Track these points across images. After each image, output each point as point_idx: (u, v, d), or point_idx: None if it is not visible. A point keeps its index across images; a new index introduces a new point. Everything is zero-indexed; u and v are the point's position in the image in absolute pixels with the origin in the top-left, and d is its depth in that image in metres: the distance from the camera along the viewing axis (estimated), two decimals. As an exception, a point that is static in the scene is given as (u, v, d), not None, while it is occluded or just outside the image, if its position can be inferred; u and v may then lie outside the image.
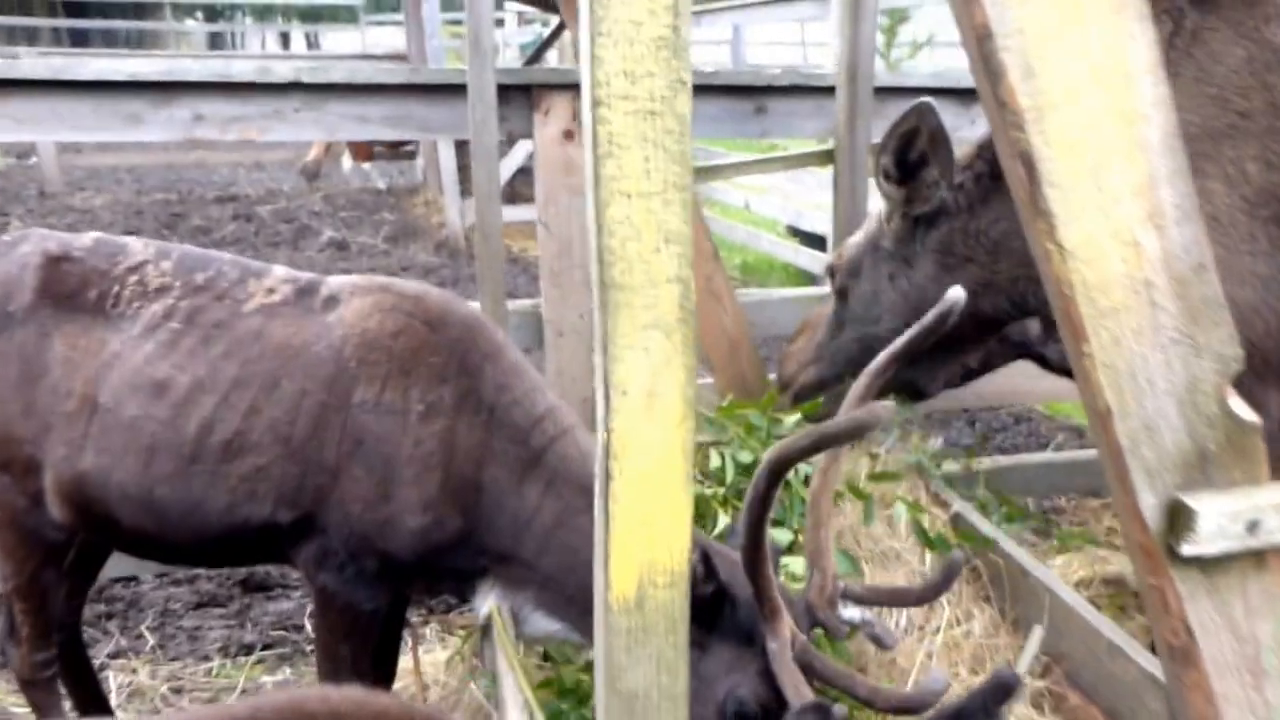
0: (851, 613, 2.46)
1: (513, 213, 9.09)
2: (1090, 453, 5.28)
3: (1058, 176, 1.32)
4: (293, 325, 2.89)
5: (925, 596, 2.49)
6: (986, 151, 3.18)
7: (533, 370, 3.06)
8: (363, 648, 3.02)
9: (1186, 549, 1.43)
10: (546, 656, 3.41)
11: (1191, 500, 1.44)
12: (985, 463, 4.61)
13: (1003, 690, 1.94)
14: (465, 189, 10.68)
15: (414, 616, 4.24)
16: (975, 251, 3.27)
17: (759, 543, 2.17)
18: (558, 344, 4.38)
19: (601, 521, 1.34)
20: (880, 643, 2.46)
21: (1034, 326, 3.67)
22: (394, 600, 3.11)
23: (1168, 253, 1.39)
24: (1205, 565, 1.47)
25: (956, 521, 3.97)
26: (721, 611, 2.37)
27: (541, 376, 3.09)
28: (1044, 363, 3.81)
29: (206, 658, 4.22)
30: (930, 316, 2.30)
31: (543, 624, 2.97)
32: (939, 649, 3.42)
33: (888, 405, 1.92)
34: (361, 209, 12.82)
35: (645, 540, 1.34)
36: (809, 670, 2.26)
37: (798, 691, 2.14)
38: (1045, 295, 3.15)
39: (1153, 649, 3.40)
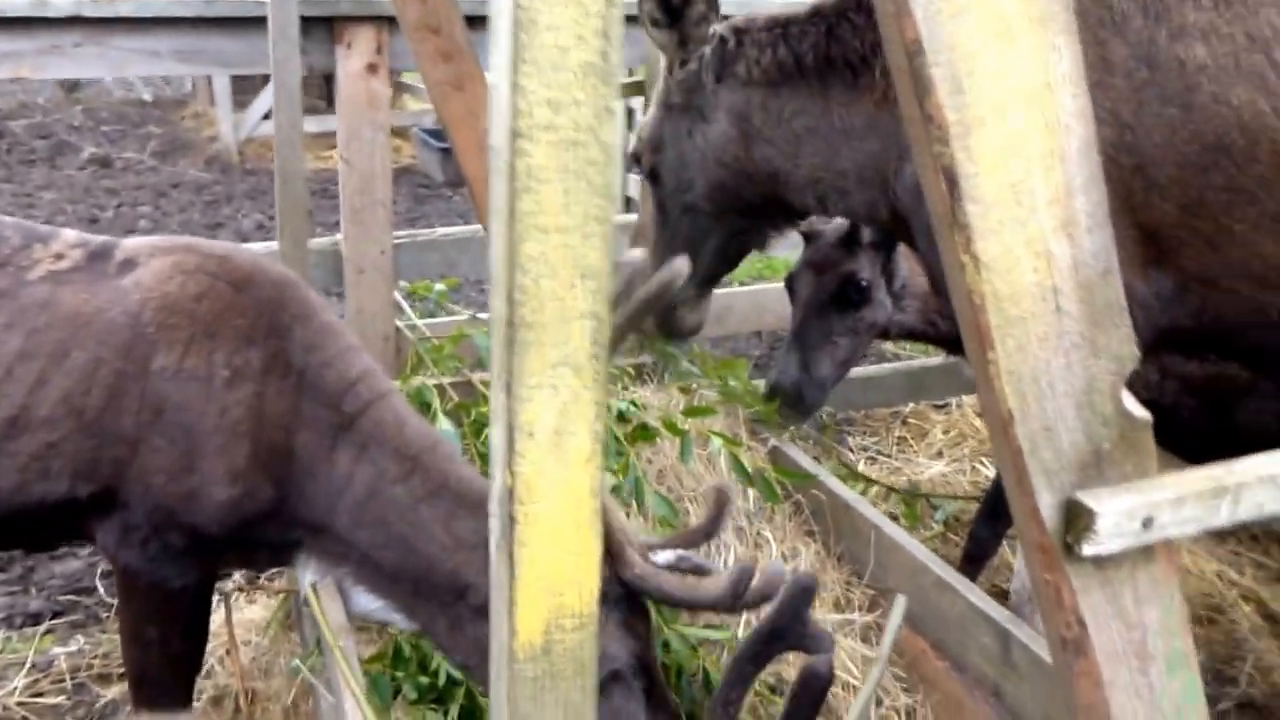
0: (664, 555, 2.46)
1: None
2: (880, 367, 5.45)
3: (980, 192, 1.26)
4: (85, 291, 2.66)
5: (706, 531, 2.54)
6: (793, 39, 3.06)
7: (348, 332, 2.91)
8: (172, 628, 2.85)
9: (1086, 549, 1.43)
10: (363, 627, 3.29)
11: (1089, 500, 1.44)
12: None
13: (805, 594, 1.99)
14: (239, 101, 10.07)
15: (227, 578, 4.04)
16: (775, 135, 3.18)
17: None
18: (358, 281, 4.22)
19: (505, 568, 1.23)
20: (701, 572, 2.49)
21: (886, 305, 3.71)
22: (204, 577, 2.93)
23: (1077, 260, 1.36)
24: (1100, 562, 1.49)
25: (775, 456, 4.02)
26: None
27: (352, 336, 2.94)
28: (885, 335, 3.87)
29: (-11, 627, 3.91)
30: (653, 285, 2.22)
31: (364, 602, 2.86)
32: (770, 586, 3.46)
33: (683, 260, 2.11)
34: (125, 122, 11.94)
35: (553, 584, 1.24)
36: (656, 595, 2.34)
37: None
38: (851, 205, 3.19)
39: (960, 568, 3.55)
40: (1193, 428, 3.37)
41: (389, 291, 4.28)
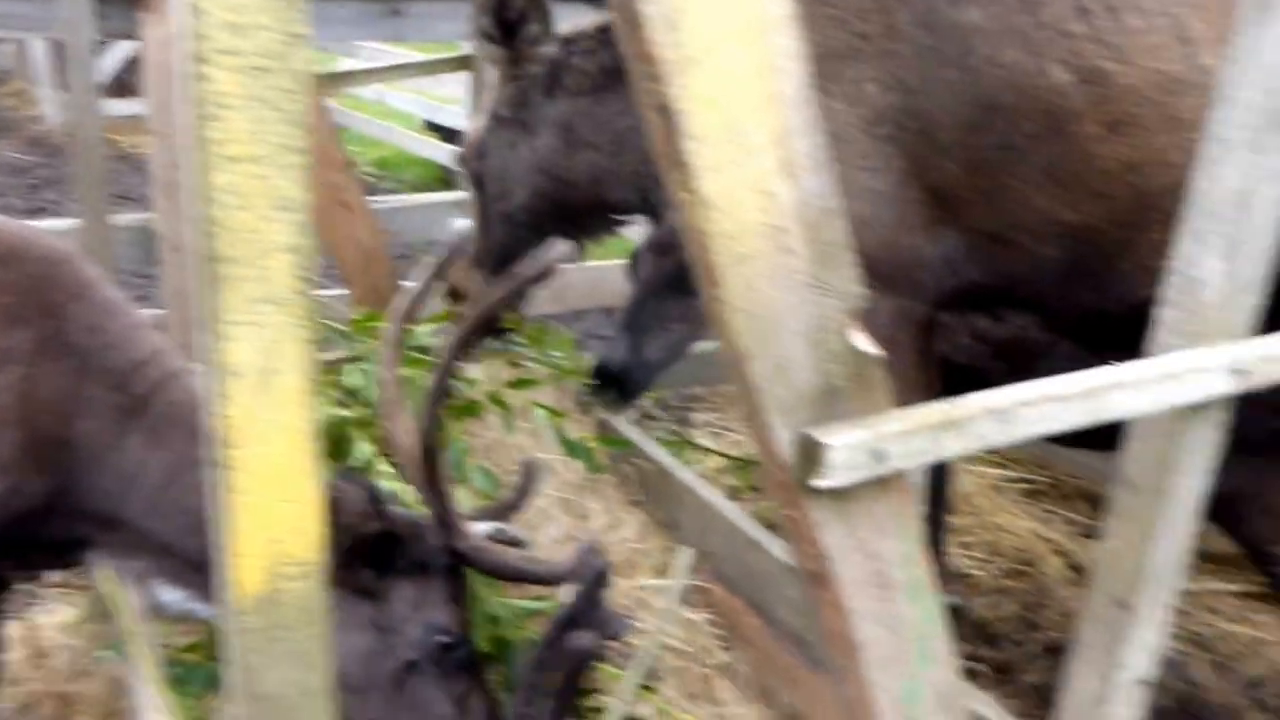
0: (481, 527, 2.48)
1: (124, 107, 8.31)
2: (724, 343, 5.51)
3: (697, 129, 1.29)
4: None
5: (513, 504, 2.56)
6: (612, 44, 3.15)
7: (132, 309, 2.72)
8: None
9: (819, 482, 1.48)
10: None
11: (822, 435, 1.48)
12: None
13: (597, 577, 2.03)
14: (64, 79, 9.64)
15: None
16: (599, 139, 3.28)
17: (432, 450, 2.24)
18: (174, 260, 4.05)
19: (220, 515, 1.21)
20: (517, 544, 2.52)
21: None
22: None
23: (800, 200, 1.40)
24: (836, 495, 1.53)
25: (603, 428, 4.04)
26: (393, 550, 2.31)
27: (143, 314, 2.81)
28: None
29: None
30: (529, 270, 2.26)
31: (165, 595, 2.74)
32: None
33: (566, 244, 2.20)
34: (-66, 101, 11.32)
35: (273, 532, 1.22)
36: (483, 567, 2.35)
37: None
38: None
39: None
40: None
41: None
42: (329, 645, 1.31)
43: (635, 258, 3.85)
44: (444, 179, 8.32)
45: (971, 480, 4.63)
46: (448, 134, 8.97)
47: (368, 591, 2.30)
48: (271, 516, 1.22)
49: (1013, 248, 2.73)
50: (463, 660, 2.34)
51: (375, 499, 2.26)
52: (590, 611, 2.10)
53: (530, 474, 2.56)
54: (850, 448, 1.49)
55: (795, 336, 1.47)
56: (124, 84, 9.77)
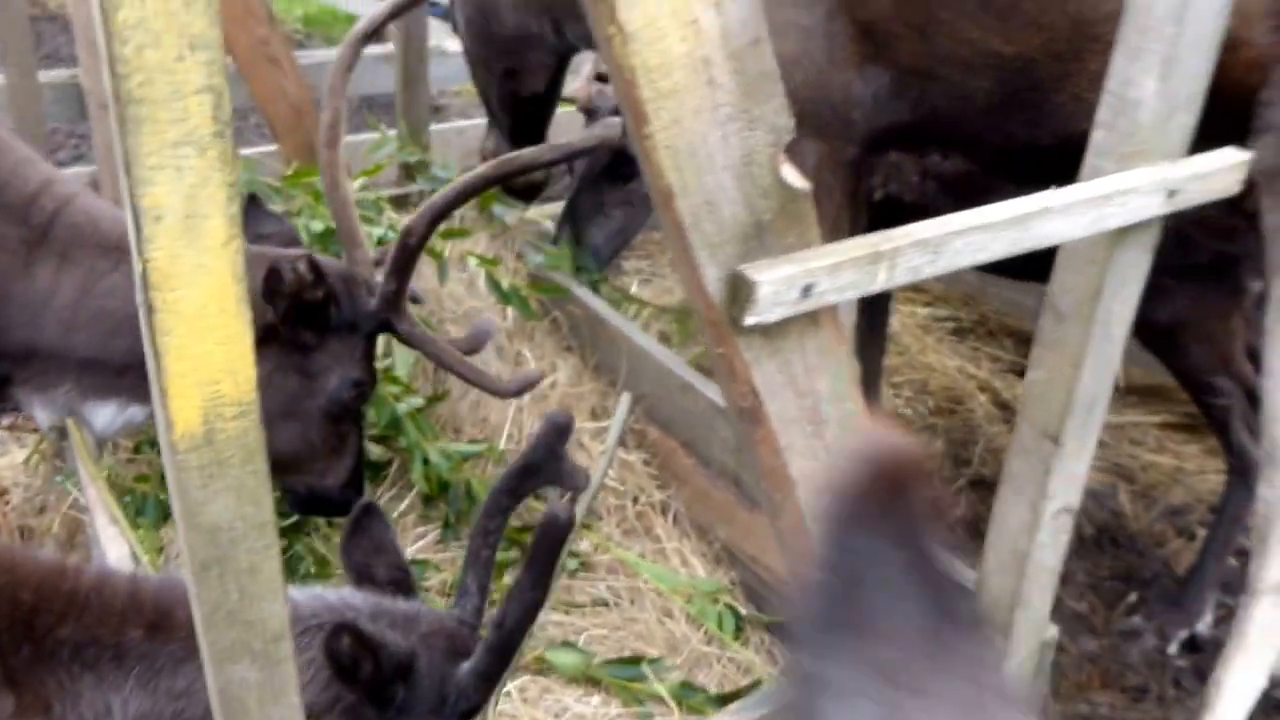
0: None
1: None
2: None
3: (615, -42, 1.26)
4: None
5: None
6: None
7: (19, 143, 2.75)
8: None
9: (749, 319, 1.50)
10: (138, 449, 3.21)
11: (751, 271, 1.50)
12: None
13: (560, 431, 2.08)
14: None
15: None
16: None
17: (409, 247, 2.65)
18: (102, 116, 3.93)
19: (153, 358, 1.21)
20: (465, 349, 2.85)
21: None
22: None
23: (725, 30, 1.38)
24: (766, 331, 1.56)
25: (535, 276, 4.03)
26: (328, 311, 2.59)
27: (30, 148, 2.78)
28: None
29: None
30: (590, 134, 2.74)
31: (101, 417, 2.80)
32: (527, 402, 3.52)
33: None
34: None
35: (204, 373, 1.22)
36: (416, 345, 2.75)
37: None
38: (585, 30, 3.26)
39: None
40: None
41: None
42: (267, 479, 1.32)
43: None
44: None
45: (899, 320, 4.70)
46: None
47: (304, 345, 2.58)
48: (202, 358, 1.21)
49: (943, 83, 2.72)
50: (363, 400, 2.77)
51: (315, 267, 2.49)
52: (552, 464, 2.13)
53: (478, 338, 2.87)
54: (778, 282, 1.50)
55: (723, 171, 1.47)
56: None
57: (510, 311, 3.77)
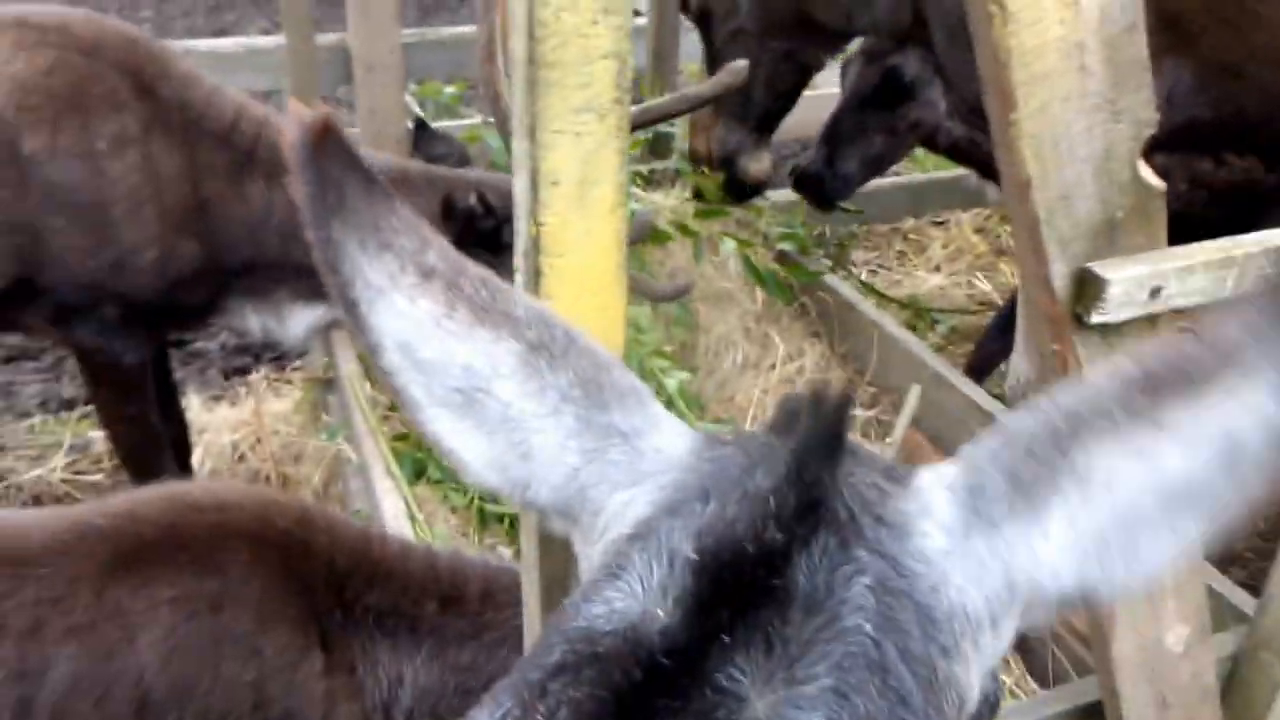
0: None
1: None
2: (880, 183, 5.32)
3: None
4: None
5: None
6: None
7: (203, 74, 2.91)
8: (141, 405, 2.97)
9: (1095, 317, 1.45)
10: (393, 407, 3.36)
11: (1101, 269, 1.45)
12: (780, 195, 4.55)
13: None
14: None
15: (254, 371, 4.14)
16: None
17: None
18: (368, 80, 4.08)
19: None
20: None
21: (937, 107, 3.59)
22: (156, 353, 3.08)
23: (1104, 13, 1.34)
24: (1107, 330, 1.50)
25: (783, 260, 4.02)
26: (500, 234, 2.74)
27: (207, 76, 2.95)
28: (931, 144, 3.77)
29: (26, 414, 4.00)
30: (709, 85, 2.70)
31: (303, 316, 2.99)
32: (774, 384, 3.52)
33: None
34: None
35: (576, 337, 1.25)
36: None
37: None
38: (876, 16, 3.19)
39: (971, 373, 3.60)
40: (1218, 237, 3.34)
41: (400, 92, 4.13)
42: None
43: (845, 66, 3.76)
44: None
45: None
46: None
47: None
48: (580, 323, 1.24)
49: (1255, 81, 2.58)
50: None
51: (484, 200, 2.70)
52: None
53: (640, 225, 3.00)
54: (1129, 282, 1.45)
55: (1083, 164, 1.42)
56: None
57: (759, 294, 3.78)
